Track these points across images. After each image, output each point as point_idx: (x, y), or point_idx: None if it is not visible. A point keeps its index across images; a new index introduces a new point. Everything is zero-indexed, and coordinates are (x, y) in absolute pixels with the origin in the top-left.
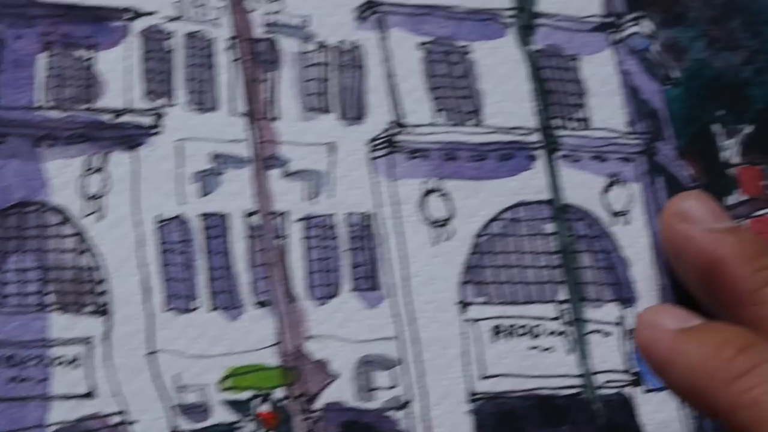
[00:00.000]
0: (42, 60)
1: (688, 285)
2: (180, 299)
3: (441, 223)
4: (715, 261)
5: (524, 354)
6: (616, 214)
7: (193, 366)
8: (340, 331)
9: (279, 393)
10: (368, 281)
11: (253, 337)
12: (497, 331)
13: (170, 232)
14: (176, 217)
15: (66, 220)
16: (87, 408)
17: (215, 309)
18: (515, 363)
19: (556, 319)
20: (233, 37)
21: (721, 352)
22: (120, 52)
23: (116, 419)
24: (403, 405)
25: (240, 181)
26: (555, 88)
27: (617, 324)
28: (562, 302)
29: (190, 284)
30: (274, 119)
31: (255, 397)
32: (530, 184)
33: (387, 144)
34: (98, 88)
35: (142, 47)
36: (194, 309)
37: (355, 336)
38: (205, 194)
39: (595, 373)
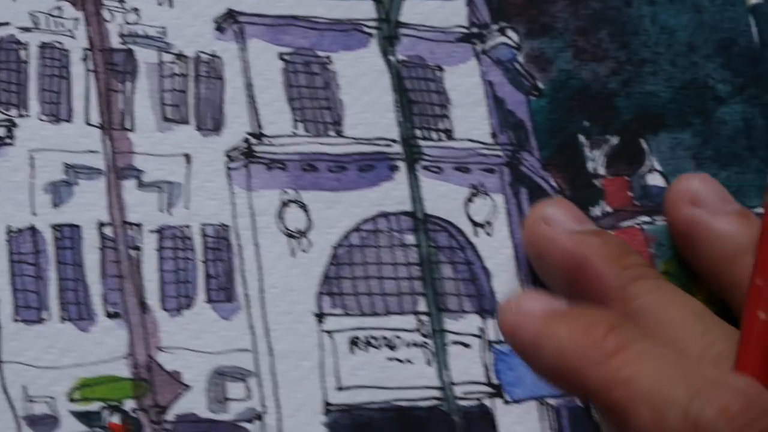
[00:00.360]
0: None
1: (552, 288)
2: (30, 310)
3: (299, 235)
4: (580, 261)
5: (382, 365)
6: (479, 225)
7: (42, 377)
8: (193, 343)
9: (130, 404)
10: (223, 292)
11: (104, 348)
12: (355, 342)
13: (21, 243)
14: (28, 228)
15: None
16: None
17: (66, 320)
18: (373, 375)
19: (415, 330)
20: (89, 48)
21: (591, 332)
22: None
23: None
24: (257, 417)
25: (94, 192)
26: (418, 98)
27: (478, 335)
28: (421, 314)
29: (41, 295)
30: (129, 130)
31: (105, 408)
32: (391, 194)
33: (245, 155)
34: None
35: None
36: (44, 320)
37: (209, 347)
38: (58, 205)
39: (455, 384)
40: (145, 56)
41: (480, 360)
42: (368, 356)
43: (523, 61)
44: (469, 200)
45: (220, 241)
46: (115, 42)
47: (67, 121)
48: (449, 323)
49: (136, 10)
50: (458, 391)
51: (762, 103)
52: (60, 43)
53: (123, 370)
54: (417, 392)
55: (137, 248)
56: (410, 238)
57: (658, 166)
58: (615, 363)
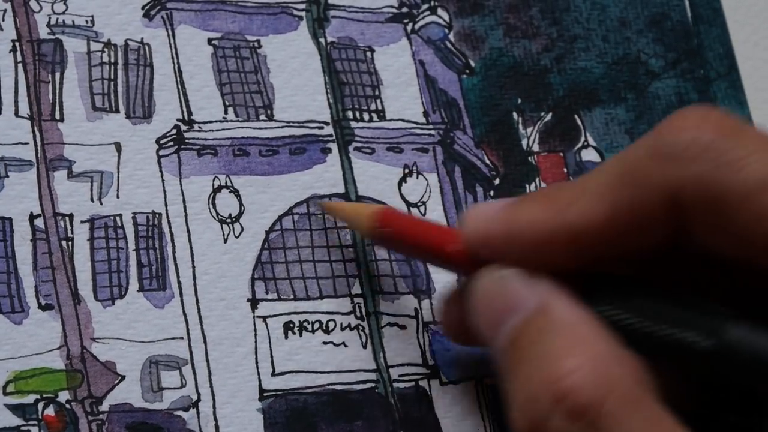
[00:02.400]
0: None
1: None
2: None
3: (231, 220)
4: None
5: (317, 350)
6: (413, 205)
7: None
8: (127, 332)
9: (65, 396)
10: (156, 281)
11: (37, 340)
12: (289, 327)
13: None
14: None
15: None
16: None
17: None
18: (307, 359)
19: (350, 313)
20: (16, 39)
21: None
22: None
23: None
24: (192, 405)
25: (24, 184)
26: (349, 80)
27: (413, 316)
28: (356, 296)
29: None
30: (59, 120)
31: (40, 400)
32: (324, 177)
33: (175, 142)
34: None
35: None
36: None
37: (143, 336)
38: None
39: (391, 366)
40: (73, 46)
41: (416, 341)
42: (302, 341)
43: (454, 39)
44: (403, 180)
45: (152, 229)
46: (43, 32)
47: None
48: (384, 305)
49: None
50: (394, 373)
51: (695, 77)
52: None
53: (57, 362)
54: (353, 375)
55: (69, 239)
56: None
57: (592, 142)
58: None
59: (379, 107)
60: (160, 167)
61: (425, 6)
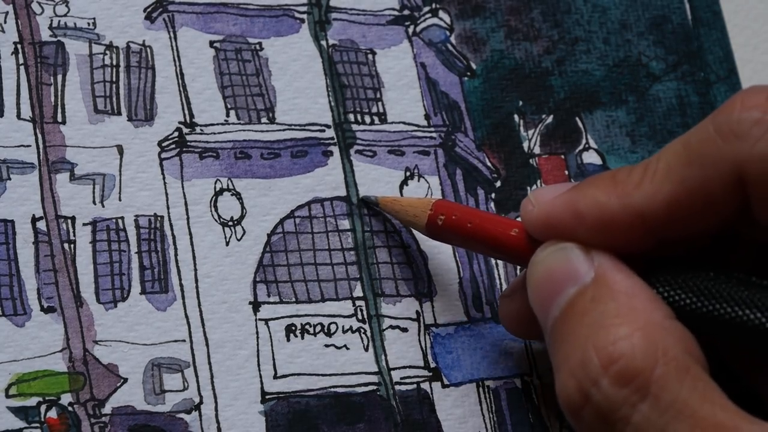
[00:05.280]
0: None
1: None
2: None
3: (233, 223)
4: None
5: (319, 352)
6: None
7: None
8: (129, 335)
9: (67, 398)
10: (158, 284)
11: (40, 342)
12: (291, 330)
13: None
14: None
15: None
16: None
17: (1, 315)
18: (309, 362)
19: (352, 316)
20: (18, 42)
21: None
22: None
23: None
24: (194, 407)
25: (26, 187)
26: (350, 82)
27: (414, 319)
28: (358, 299)
29: None
30: (61, 123)
31: (42, 403)
32: (325, 180)
33: (177, 144)
34: None
35: None
36: None
37: (145, 339)
38: None
39: (393, 369)
40: (75, 48)
41: (417, 344)
42: (304, 343)
43: (455, 42)
44: (404, 183)
45: (154, 232)
46: (45, 35)
47: None
48: (386, 308)
49: (65, 2)
50: (396, 375)
51: (696, 80)
52: None
53: (59, 365)
54: (354, 378)
55: (71, 242)
56: (345, 223)
57: (593, 144)
58: None
59: (381, 110)
60: (162, 170)
61: (426, 8)
